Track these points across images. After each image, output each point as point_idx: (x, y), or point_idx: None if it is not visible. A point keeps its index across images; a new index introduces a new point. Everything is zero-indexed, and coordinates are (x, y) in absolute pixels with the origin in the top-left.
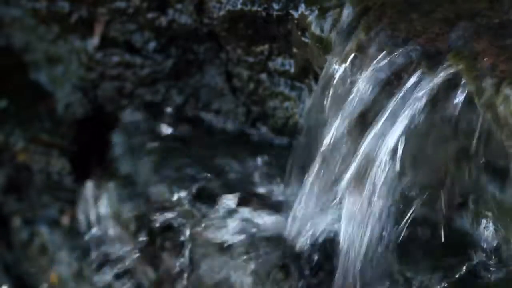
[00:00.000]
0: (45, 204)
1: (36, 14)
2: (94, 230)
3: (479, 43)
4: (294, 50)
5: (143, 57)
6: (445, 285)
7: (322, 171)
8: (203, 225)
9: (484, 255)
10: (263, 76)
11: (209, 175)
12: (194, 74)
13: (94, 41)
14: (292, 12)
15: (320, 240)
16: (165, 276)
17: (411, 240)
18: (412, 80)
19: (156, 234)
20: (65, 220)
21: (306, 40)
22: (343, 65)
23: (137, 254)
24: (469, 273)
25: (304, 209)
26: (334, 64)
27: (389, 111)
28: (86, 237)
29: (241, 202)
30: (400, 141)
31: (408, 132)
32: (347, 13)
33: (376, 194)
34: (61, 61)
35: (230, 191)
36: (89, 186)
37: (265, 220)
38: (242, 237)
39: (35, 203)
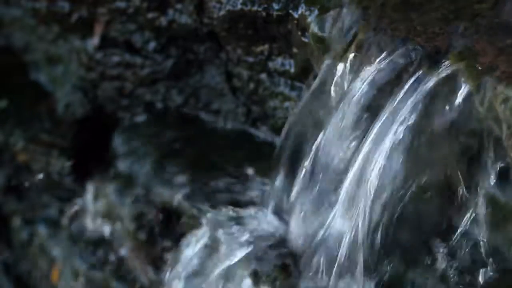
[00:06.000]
0: (45, 204)
1: (36, 14)
2: (94, 230)
3: (479, 43)
4: (294, 50)
5: (143, 57)
6: (443, 285)
7: (320, 171)
8: (203, 225)
9: (483, 255)
10: (263, 76)
11: (209, 175)
12: (194, 74)
13: (94, 41)
14: (292, 12)
15: (319, 239)
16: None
17: (409, 239)
18: (412, 80)
19: (156, 234)
20: (65, 220)
21: (306, 40)
22: (343, 65)
23: (137, 254)
24: (467, 273)
25: (302, 209)
26: (333, 65)
27: (389, 111)
28: (86, 237)
29: (241, 203)
30: (400, 141)
31: (408, 132)
32: (347, 13)
33: (375, 194)
34: (61, 61)
35: (230, 191)
36: (89, 186)
37: (265, 220)
38: (242, 237)
39: (35, 203)
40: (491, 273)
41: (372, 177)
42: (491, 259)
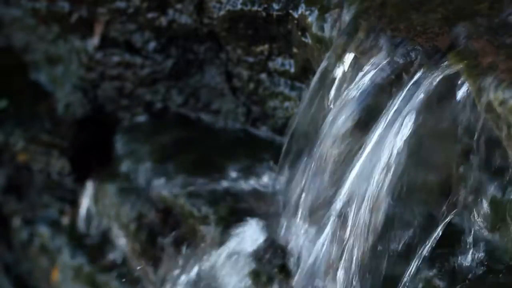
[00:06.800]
0: (45, 204)
1: (36, 14)
2: (94, 230)
3: (479, 43)
4: (294, 50)
5: (143, 57)
6: (442, 285)
7: (321, 171)
8: (203, 225)
9: (482, 255)
10: (263, 76)
11: (209, 176)
12: (194, 74)
13: (94, 41)
14: (292, 12)
15: (318, 240)
16: (165, 276)
17: (409, 240)
18: (412, 80)
19: (156, 234)
20: (65, 220)
21: (306, 40)
22: (343, 65)
23: (137, 254)
24: (467, 273)
25: (302, 209)
26: (333, 64)
27: (389, 111)
28: (86, 237)
29: (241, 203)
30: (401, 141)
31: (409, 132)
32: (347, 13)
33: (377, 194)
34: (61, 61)
35: (230, 191)
36: (89, 186)
37: (265, 220)
38: (242, 237)
39: (35, 203)
40: (490, 274)
41: (373, 177)
42: (490, 260)
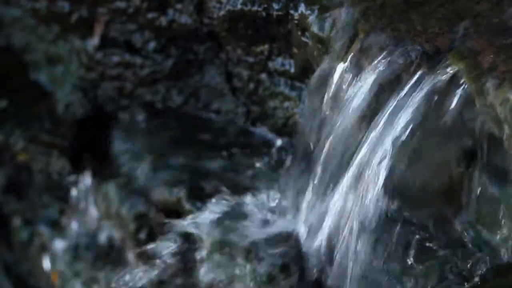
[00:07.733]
0: (45, 204)
1: (36, 14)
2: (94, 230)
3: (479, 43)
4: (294, 50)
5: (143, 57)
6: (443, 285)
7: (321, 171)
8: (202, 225)
9: (482, 255)
10: (263, 76)
11: (209, 175)
12: (194, 74)
13: (94, 41)
14: (292, 12)
15: (320, 241)
16: (165, 276)
17: (409, 240)
18: (412, 80)
19: (156, 234)
20: (65, 220)
21: (306, 40)
22: (343, 65)
23: (137, 254)
24: (467, 273)
25: (303, 209)
26: (333, 64)
27: (389, 111)
28: (87, 237)
29: (241, 202)
30: (400, 141)
31: (408, 132)
32: (347, 13)
33: (375, 195)
34: (61, 61)
35: (230, 191)
36: (89, 186)
37: (265, 220)
38: (241, 236)
39: (35, 203)
40: (489, 273)
41: (373, 178)
42: (489, 259)
